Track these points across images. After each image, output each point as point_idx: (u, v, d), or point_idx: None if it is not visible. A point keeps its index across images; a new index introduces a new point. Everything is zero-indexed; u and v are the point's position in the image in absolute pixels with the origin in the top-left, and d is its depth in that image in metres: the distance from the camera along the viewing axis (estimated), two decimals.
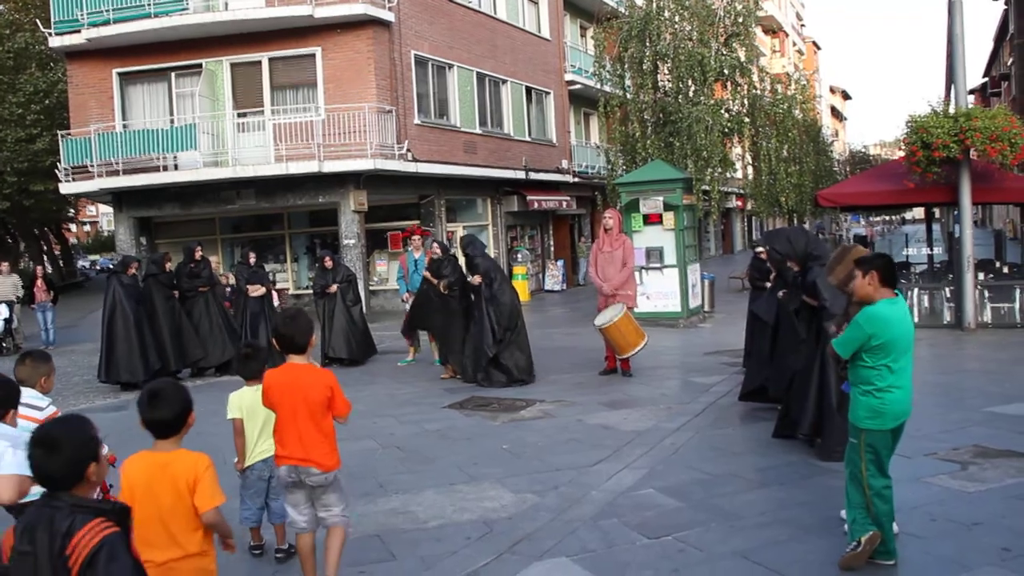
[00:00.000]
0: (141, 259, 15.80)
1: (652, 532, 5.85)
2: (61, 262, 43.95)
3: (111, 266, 19.45)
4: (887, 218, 73.90)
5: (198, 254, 13.93)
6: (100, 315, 13.38)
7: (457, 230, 23.88)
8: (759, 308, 9.46)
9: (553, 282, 28.42)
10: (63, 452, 2.81)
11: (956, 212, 16.45)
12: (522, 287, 25.22)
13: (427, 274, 12.64)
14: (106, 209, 27.76)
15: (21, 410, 4.63)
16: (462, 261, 12.86)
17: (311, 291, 16.86)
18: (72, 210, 42.35)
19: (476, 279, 11.76)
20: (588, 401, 10.35)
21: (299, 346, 4.81)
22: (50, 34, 21.09)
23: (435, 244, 12.88)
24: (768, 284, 9.83)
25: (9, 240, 39.76)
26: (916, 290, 16.14)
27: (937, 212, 23.76)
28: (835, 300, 6.82)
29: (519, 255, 26.59)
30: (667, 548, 5.59)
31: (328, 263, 14.30)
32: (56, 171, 21.18)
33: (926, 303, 16.28)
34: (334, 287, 14.05)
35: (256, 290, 14.00)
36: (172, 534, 3.54)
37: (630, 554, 5.53)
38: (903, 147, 15.18)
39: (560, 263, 29.11)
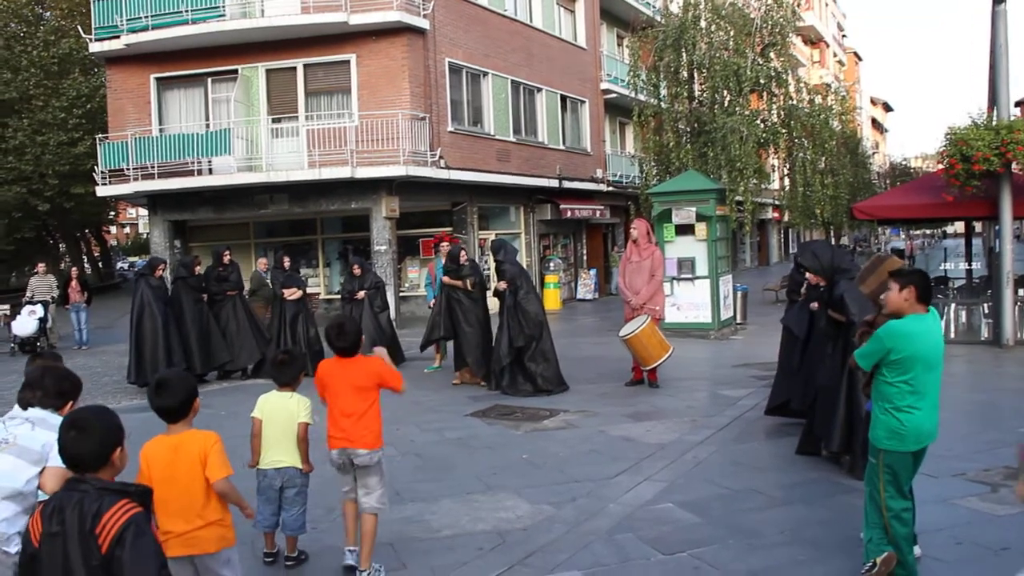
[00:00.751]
0: (168, 261, 15.92)
1: (668, 548, 5.73)
2: (100, 263, 44.57)
3: (138, 268, 19.68)
4: (927, 232, 72.85)
5: (226, 258, 14.01)
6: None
7: (489, 237, 23.85)
8: (790, 320, 9.29)
9: (585, 291, 28.28)
10: (93, 435, 3.04)
11: (997, 226, 16.13)
12: (554, 295, 25.16)
13: (447, 279, 12.59)
14: (144, 212, 28.07)
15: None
16: (492, 265, 12.87)
17: (340, 296, 16.93)
18: (112, 212, 42.93)
19: (502, 285, 11.67)
20: (612, 412, 10.23)
21: (349, 352, 5.42)
22: (91, 40, 21.40)
23: (462, 252, 12.82)
24: (801, 296, 9.68)
25: (50, 241, 40.39)
26: (953, 305, 15.82)
27: (978, 226, 23.32)
28: (862, 314, 6.67)
29: (551, 264, 26.51)
30: (682, 565, 5.47)
31: (357, 270, 14.31)
32: (94, 174, 21.45)
33: (963, 319, 15.94)
34: (361, 293, 14.06)
35: (292, 293, 14.03)
36: (192, 505, 3.98)
37: (644, 570, 5.42)
38: (941, 160, 14.89)
39: (593, 272, 28.97)
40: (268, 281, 15.81)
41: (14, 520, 3.71)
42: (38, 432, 3.92)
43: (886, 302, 5.06)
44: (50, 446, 3.73)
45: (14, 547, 3.64)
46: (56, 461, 3.62)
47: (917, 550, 5.04)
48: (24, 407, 4.09)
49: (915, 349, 4.80)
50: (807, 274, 8.08)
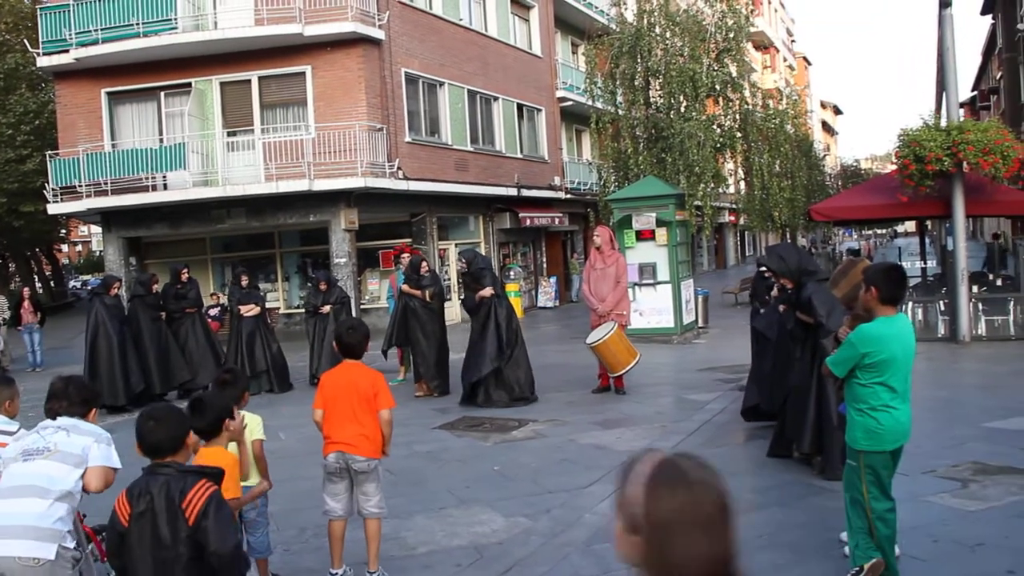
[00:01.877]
0: (123, 279, 15.65)
1: None
2: (52, 283, 43.69)
3: (92, 287, 19.31)
4: (878, 232, 74.06)
5: (184, 276, 13.78)
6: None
7: (449, 248, 23.77)
8: (760, 324, 9.33)
9: (546, 299, 28.29)
10: (169, 425, 3.61)
11: (948, 225, 16.41)
12: (515, 304, 25.03)
13: (406, 287, 12.60)
14: (97, 229, 27.67)
15: None
16: (452, 276, 12.84)
17: (303, 310, 16.74)
18: (63, 230, 42.11)
19: (487, 291, 11.53)
20: (581, 420, 10.20)
21: (357, 352, 5.58)
22: (38, 54, 20.97)
23: (423, 263, 12.87)
24: (769, 298, 9.75)
25: (0, 260, 39.53)
26: (910, 304, 16.05)
27: (929, 225, 23.72)
28: (830, 315, 6.71)
29: (512, 272, 26.48)
30: None
31: (323, 286, 14.16)
32: (45, 192, 21.02)
33: (920, 316, 16.18)
34: (326, 308, 13.90)
35: (250, 310, 13.86)
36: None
37: None
38: (895, 160, 15.12)
39: (553, 280, 29.01)
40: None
41: (67, 518, 4.09)
42: (74, 437, 4.26)
43: (861, 304, 5.08)
44: (88, 448, 4.22)
45: (70, 542, 4.08)
46: (96, 462, 4.20)
47: (897, 549, 5.06)
48: (52, 417, 4.40)
49: (888, 351, 4.82)
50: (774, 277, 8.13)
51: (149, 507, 3.43)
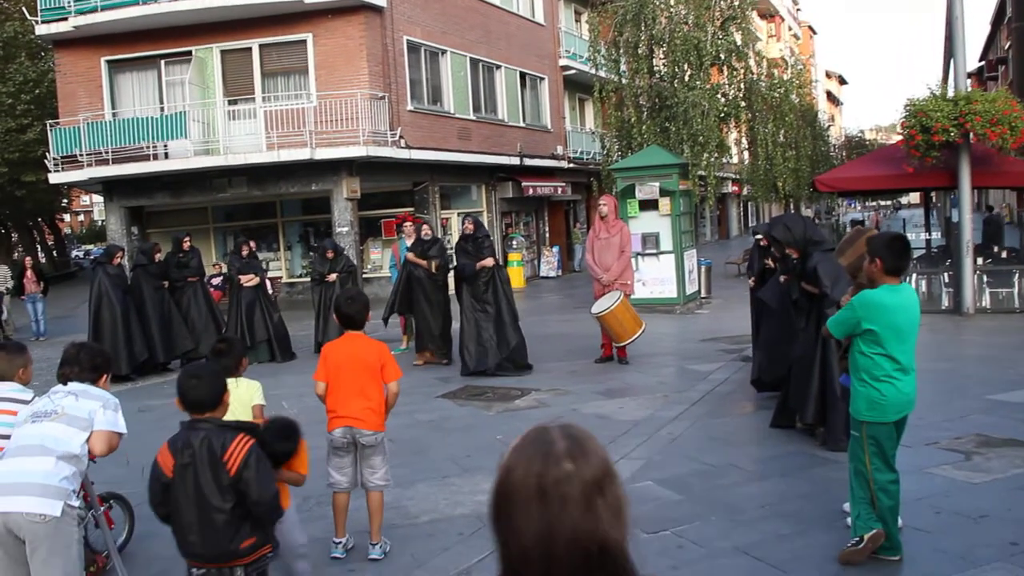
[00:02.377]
0: (125, 248, 15.62)
1: (650, 526, 5.70)
2: (54, 252, 43.67)
3: (95, 256, 19.29)
4: (881, 203, 73.78)
5: (186, 244, 13.77)
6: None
7: (451, 217, 23.70)
8: (765, 294, 9.29)
9: (548, 268, 28.26)
10: (209, 383, 3.89)
11: (954, 196, 16.31)
12: (517, 273, 25.09)
13: (411, 256, 12.52)
14: (99, 199, 27.70)
15: (3, 405, 4.73)
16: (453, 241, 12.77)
17: (307, 279, 16.70)
18: (65, 200, 42.02)
19: (489, 262, 11.47)
20: (583, 390, 10.20)
21: (358, 323, 5.45)
22: (37, 22, 20.80)
23: (425, 227, 12.80)
24: (768, 267, 9.74)
25: (2, 231, 39.49)
26: (914, 275, 16.00)
27: (934, 197, 23.58)
28: (835, 286, 6.67)
29: (514, 241, 26.43)
30: (666, 543, 5.44)
31: (330, 254, 14.09)
32: (46, 161, 20.94)
33: (924, 288, 16.13)
34: (333, 276, 13.84)
35: (249, 280, 13.82)
36: None
37: None
38: (901, 131, 14.99)
39: (555, 249, 28.94)
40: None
41: (72, 479, 4.22)
42: (82, 402, 4.41)
43: (865, 272, 5.04)
44: (94, 413, 4.37)
45: (76, 500, 4.21)
46: (101, 426, 4.36)
47: (900, 521, 5.06)
48: (64, 382, 4.55)
49: (889, 319, 4.79)
50: (773, 248, 8.09)
51: (192, 459, 3.71)
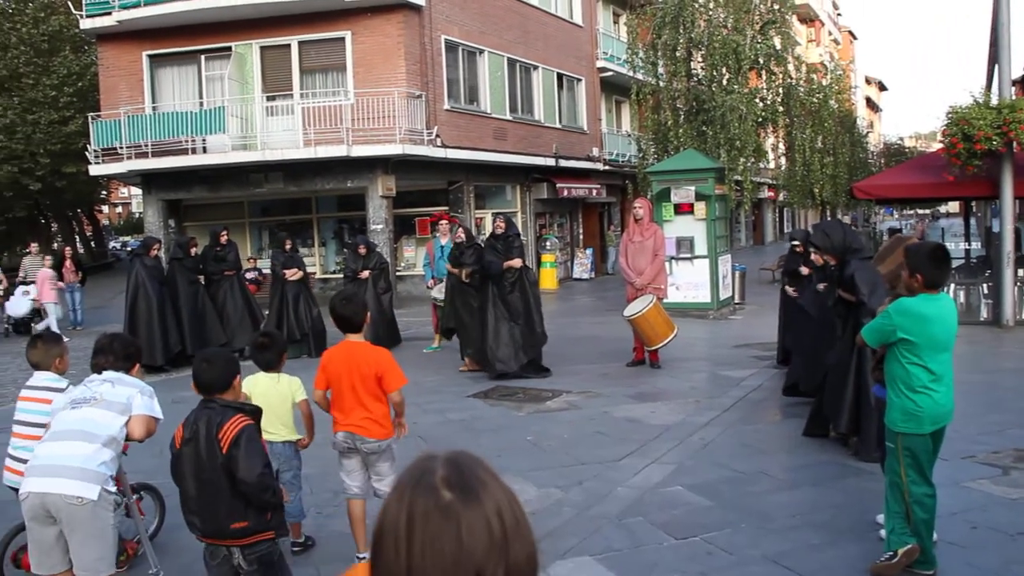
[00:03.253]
0: (163, 240, 15.78)
1: (680, 532, 5.66)
2: (92, 243, 44.24)
3: (132, 248, 19.53)
4: (919, 212, 72.84)
5: (223, 238, 13.87)
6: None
7: (486, 216, 23.71)
8: (806, 301, 9.20)
9: (581, 270, 28.21)
10: (219, 366, 4.11)
11: (995, 206, 16.05)
12: (551, 275, 25.08)
13: (449, 266, 12.35)
14: (137, 191, 28.03)
15: (42, 394, 4.78)
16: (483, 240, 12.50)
17: (341, 275, 16.78)
18: (104, 192, 42.55)
19: (516, 262, 11.25)
20: (615, 393, 10.16)
21: (355, 325, 5.22)
22: (82, 16, 21.11)
23: (460, 230, 12.66)
24: (804, 273, 9.69)
25: (42, 221, 40.06)
26: (952, 285, 15.76)
27: (974, 206, 23.26)
28: (873, 294, 6.59)
29: (548, 243, 26.39)
30: (695, 549, 5.40)
31: (362, 250, 14.12)
32: (87, 153, 21.23)
33: (962, 299, 15.89)
34: (365, 273, 13.83)
35: (294, 274, 13.93)
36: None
37: (656, 555, 5.35)
38: (942, 139, 14.78)
39: (589, 251, 28.88)
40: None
41: (111, 463, 4.38)
42: (119, 388, 4.55)
43: (905, 285, 4.97)
44: (132, 398, 4.52)
45: (112, 485, 4.36)
46: (139, 410, 4.51)
47: (934, 535, 4.97)
48: (98, 372, 4.68)
49: (926, 330, 4.71)
50: (813, 255, 8.01)
51: (195, 435, 3.97)
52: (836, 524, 5.72)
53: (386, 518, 1.34)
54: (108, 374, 4.64)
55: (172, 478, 4.13)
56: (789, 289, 10.55)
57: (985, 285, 15.47)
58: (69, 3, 25.64)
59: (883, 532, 5.05)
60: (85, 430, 4.33)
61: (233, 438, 3.89)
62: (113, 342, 4.82)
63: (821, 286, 7.99)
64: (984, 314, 15.17)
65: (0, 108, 29.02)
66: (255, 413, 4.12)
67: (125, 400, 4.50)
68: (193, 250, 13.69)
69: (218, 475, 3.91)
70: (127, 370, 4.76)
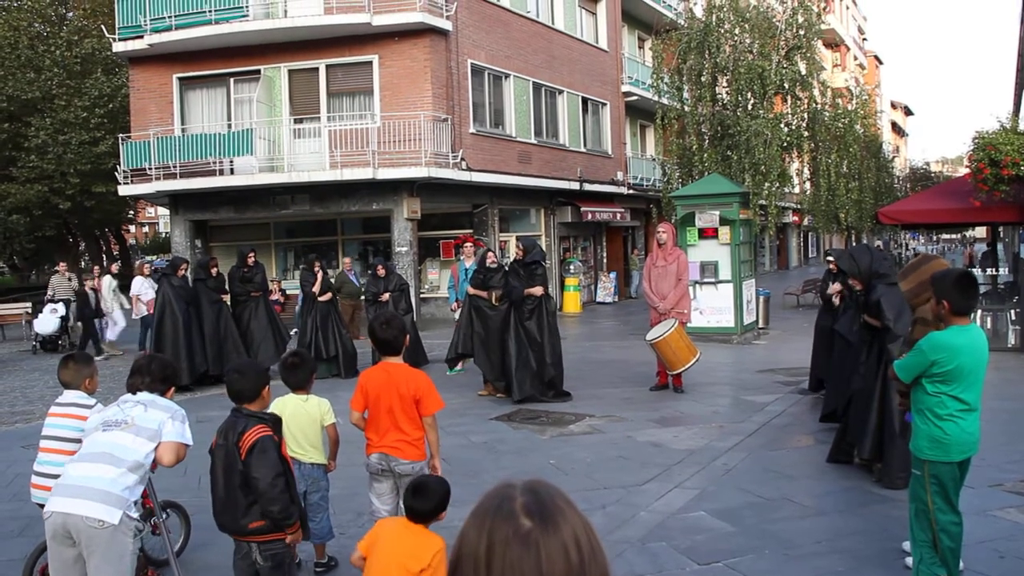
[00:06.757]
0: (189, 260, 15.94)
1: (702, 558, 5.64)
2: (120, 262, 44.72)
3: (158, 267, 19.73)
4: (944, 237, 72.30)
5: (251, 259, 13.98)
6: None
7: (510, 240, 23.77)
8: (842, 327, 9.13)
9: (605, 294, 28.18)
10: (250, 377, 4.42)
11: (1022, 232, 15.94)
12: (574, 298, 25.09)
13: (471, 289, 12.18)
14: (164, 211, 28.48)
15: (70, 410, 4.84)
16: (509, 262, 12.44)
17: (364, 298, 16.88)
18: (132, 212, 43.08)
19: (538, 290, 11.21)
20: (638, 417, 10.14)
21: (395, 348, 5.19)
22: (115, 39, 21.47)
23: (490, 254, 12.65)
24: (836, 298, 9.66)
25: (70, 240, 40.57)
26: (979, 312, 15.63)
27: (1001, 232, 23.09)
28: (899, 320, 6.56)
29: (572, 266, 26.41)
30: (718, 575, 5.37)
31: (381, 271, 14.22)
32: (116, 173, 21.52)
33: (989, 325, 15.75)
34: (386, 295, 13.94)
35: (325, 296, 14.05)
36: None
37: None
38: (969, 164, 14.72)
39: (612, 275, 28.87)
40: (352, 279, 17.58)
41: (135, 488, 4.38)
42: (151, 412, 4.53)
43: (923, 306, 4.95)
44: (163, 424, 4.50)
45: (135, 512, 4.36)
46: (169, 437, 4.50)
47: (960, 564, 4.93)
48: (133, 392, 4.67)
49: (959, 361, 4.68)
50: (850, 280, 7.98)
51: (224, 441, 4.29)
52: (861, 551, 5.68)
53: (465, 544, 1.36)
54: (142, 395, 4.63)
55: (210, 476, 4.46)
56: (833, 287, 10.16)
57: (1012, 311, 15.33)
58: (102, 27, 26.10)
59: (909, 560, 5.01)
60: (113, 454, 4.35)
61: (250, 447, 4.18)
62: (151, 363, 4.84)
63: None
64: (1012, 340, 15.02)
65: (33, 129, 29.52)
66: (276, 423, 4.41)
67: (156, 427, 4.49)
68: (214, 270, 13.80)
69: (238, 479, 4.21)
70: (163, 392, 4.74)
